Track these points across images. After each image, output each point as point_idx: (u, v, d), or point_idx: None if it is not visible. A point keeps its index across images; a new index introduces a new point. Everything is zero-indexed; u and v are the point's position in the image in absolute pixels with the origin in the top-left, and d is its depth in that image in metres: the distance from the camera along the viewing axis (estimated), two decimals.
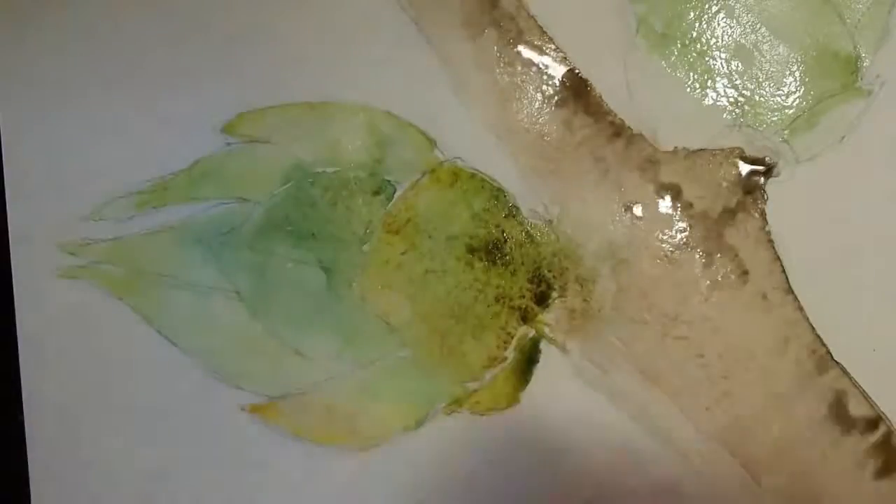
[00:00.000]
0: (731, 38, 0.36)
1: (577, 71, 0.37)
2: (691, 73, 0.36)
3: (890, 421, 0.35)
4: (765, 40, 0.36)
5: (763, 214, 0.36)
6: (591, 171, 0.37)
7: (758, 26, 0.36)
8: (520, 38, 0.37)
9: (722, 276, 0.36)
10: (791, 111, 0.36)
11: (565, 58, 0.37)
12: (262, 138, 0.38)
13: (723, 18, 0.36)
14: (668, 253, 0.37)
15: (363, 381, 0.38)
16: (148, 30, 0.39)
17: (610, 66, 0.37)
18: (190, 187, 0.38)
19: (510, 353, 0.38)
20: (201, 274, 0.38)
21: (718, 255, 0.36)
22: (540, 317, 0.38)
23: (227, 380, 0.39)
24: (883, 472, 0.36)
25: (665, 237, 0.37)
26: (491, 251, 0.38)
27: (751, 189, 0.36)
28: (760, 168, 0.36)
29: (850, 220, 0.36)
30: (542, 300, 0.38)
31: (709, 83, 0.36)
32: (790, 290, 0.36)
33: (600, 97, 0.37)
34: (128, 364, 0.39)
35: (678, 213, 0.37)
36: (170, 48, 0.38)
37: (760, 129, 0.36)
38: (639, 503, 0.37)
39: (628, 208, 0.37)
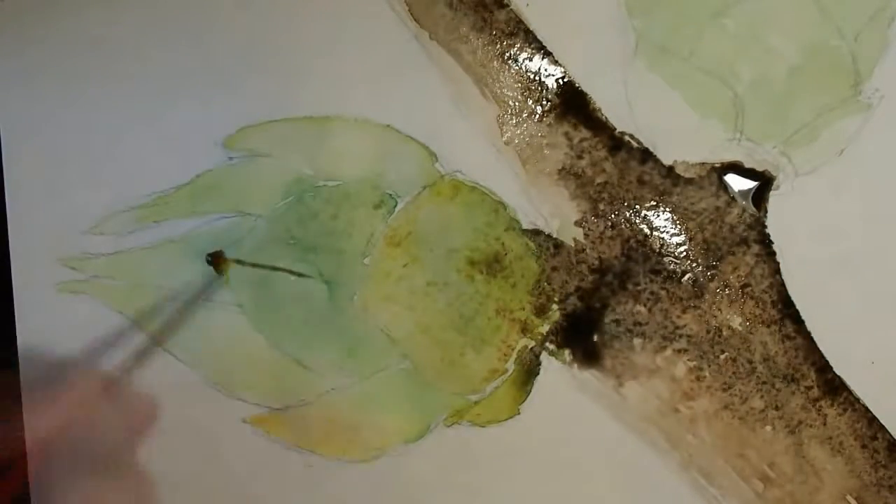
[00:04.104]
0: (729, 53, 0.36)
1: (576, 84, 0.37)
2: (690, 87, 0.36)
3: (890, 432, 0.36)
4: (764, 55, 0.36)
5: (763, 227, 0.36)
6: (591, 184, 0.37)
7: (757, 41, 0.36)
8: (519, 52, 0.37)
9: (722, 289, 0.37)
10: (790, 125, 0.36)
11: (565, 72, 0.37)
12: (264, 152, 0.38)
13: (721, 33, 0.36)
14: (668, 266, 0.37)
15: (364, 393, 0.38)
16: (149, 46, 0.39)
17: (609, 79, 0.37)
18: (191, 201, 0.38)
19: (511, 366, 0.38)
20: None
21: (718, 267, 0.37)
22: (540, 329, 0.38)
23: (229, 392, 0.39)
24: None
25: (665, 250, 0.37)
26: (491, 264, 0.38)
27: (751, 202, 0.36)
28: (760, 181, 0.36)
29: (849, 233, 0.36)
30: (542, 312, 0.38)
31: (708, 97, 0.36)
32: (790, 303, 0.36)
33: (600, 110, 0.37)
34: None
35: (678, 225, 0.37)
36: (171, 63, 0.38)
37: (760, 142, 0.36)
38: None
39: (628, 220, 0.37)
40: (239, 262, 0.39)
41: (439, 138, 0.38)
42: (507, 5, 0.37)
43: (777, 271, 0.36)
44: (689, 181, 0.37)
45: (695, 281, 0.37)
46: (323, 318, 0.38)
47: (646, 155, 0.37)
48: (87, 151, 0.39)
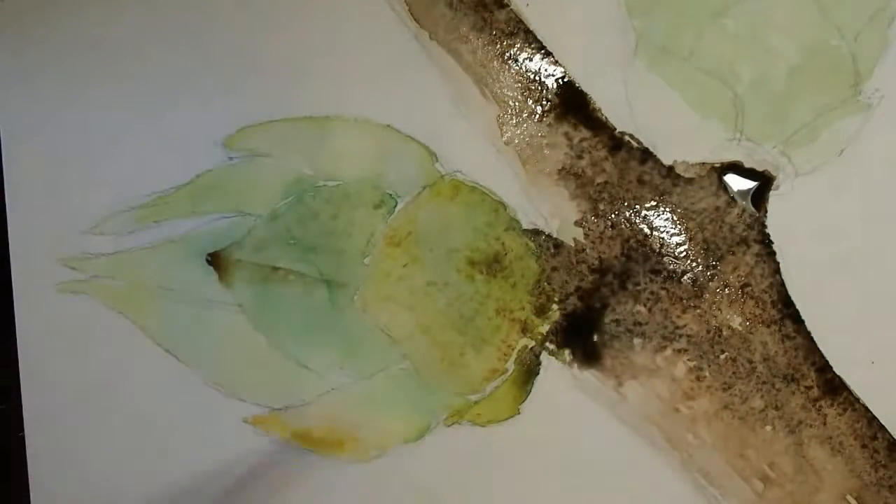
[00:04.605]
0: (729, 53, 0.36)
1: (576, 84, 0.37)
2: (690, 87, 0.36)
3: (890, 432, 0.36)
4: (764, 55, 0.36)
5: (763, 227, 0.36)
6: (591, 184, 0.37)
7: (757, 41, 0.36)
8: (519, 52, 0.37)
9: (722, 289, 0.37)
10: (790, 125, 0.36)
11: (565, 72, 0.37)
12: (264, 152, 0.38)
13: (721, 33, 0.36)
14: (668, 266, 0.37)
15: (365, 392, 0.38)
16: (149, 45, 0.39)
17: (609, 79, 0.37)
18: (191, 201, 0.38)
19: (511, 365, 0.38)
20: (203, 287, 0.39)
21: (718, 267, 0.37)
22: (540, 329, 0.38)
23: (230, 392, 0.39)
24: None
25: (665, 250, 0.37)
26: (491, 264, 0.38)
27: (750, 202, 0.36)
28: (760, 181, 0.36)
29: (849, 233, 0.36)
30: (542, 312, 0.38)
31: (708, 97, 0.36)
32: (790, 303, 0.36)
33: (600, 110, 0.37)
34: (129, 378, 0.39)
35: (678, 225, 0.37)
36: (171, 63, 0.39)
37: (760, 142, 0.36)
38: None
39: (628, 220, 0.37)
40: (239, 261, 0.39)
41: (439, 138, 0.38)
42: (507, 5, 0.37)
43: (777, 271, 0.36)
44: (689, 181, 0.37)
45: (695, 281, 0.37)
46: (323, 317, 0.38)
47: (646, 155, 0.37)
48: (87, 151, 0.39)
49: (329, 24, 0.38)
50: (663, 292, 0.37)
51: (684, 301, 0.37)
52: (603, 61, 0.37)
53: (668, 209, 0.37)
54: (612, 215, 0.37)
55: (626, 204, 0.37)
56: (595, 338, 0.37)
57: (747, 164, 0.36)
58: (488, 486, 0.38)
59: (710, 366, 0.37)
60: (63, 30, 0.39)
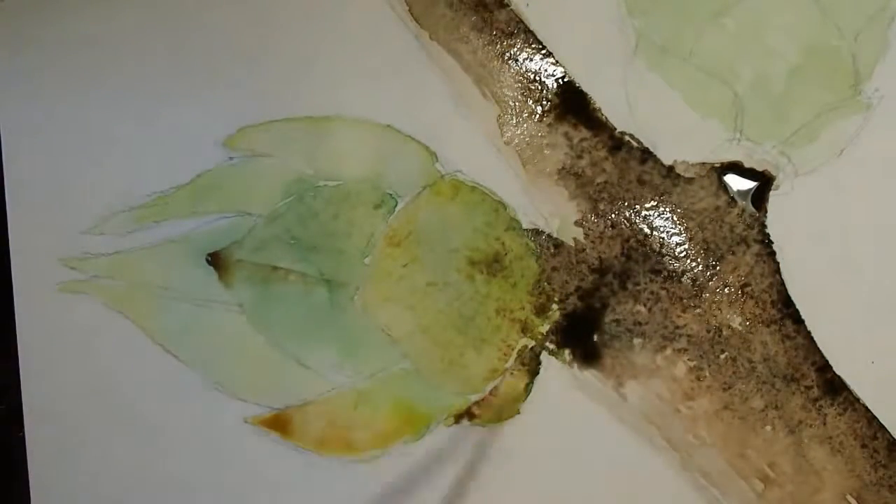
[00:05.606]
0: (729, 53, 0.36)
1: (576, 84, 0.37)
2: (690, 87, 0.36)
3: (890, 432, 0.36)
4: (764, 55, 0.36)
5: (763, 227, 0.36)
6: (591, 184, 0.37)
7: (757, 41, 0.36)
8: (520, 52, 0.37)
9: (722, 289, 0.37)
10: (790, 125, 0.36)
11: (565, 72, 0.37)
12: (264, 152, 0.38)
13: (721, 33, 0.36)
14: (668, 266, 0.37)
15: (365, 392, 0.38)
16: (150, 45, 0.39)
17: (609, 79, 0.37)
18: (191, 201, 0.39)
19: (511, 365, 0.38)
20: (203, 287, 0.39)
21: (718, 267, 0.37)
22: (540, 328, 0.38)
23: (229, 392, 0.39)
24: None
25: (665, 249, 0.37)
26: (491, 264, 0.38)
27: (750, 202, 0.36)
28: (760, 181, 0.36)
29: (849, 233, 0.36)
30: (542, 312, 0.38)
31: (708, 97, 0.36)
32: (790, 303, 0.36)
33: (600, 110, 0.37)
34: (129, 378, 0.39)
35: (678, 225, 0.37)
36: (171, 63, 0.39)
37: (760, 142, 0.36)
38: None
39: (628, 220, 0.37)
40: (239, 261, 0.39)
41: (439, 138, 0.38)
42: (507, 5, 0.37)
43: (777, 271, 0.36)
44: (689, 181, 0.37)
45: (695, 281, 0.37)
46: (323, 317, 0.38)
47: (646, 155, 0.37)
48: (87, 151, 0.39)
49: (329, 23, 0.38)
50: (663, 292, 0.37)
51: (684, 301, 0.37)
52: (603, 61, 0.37)
53: (668, 209, 0.37)
54: (612, 215, 0.37)
55: (626, 204, 0.37)
56: (595, 338, 0.37)
57: (747, 164, 0.36)
58: (488, 486, 0.38)
59: (710, 366, 0.37)
60: (62, 29, 0.39)
